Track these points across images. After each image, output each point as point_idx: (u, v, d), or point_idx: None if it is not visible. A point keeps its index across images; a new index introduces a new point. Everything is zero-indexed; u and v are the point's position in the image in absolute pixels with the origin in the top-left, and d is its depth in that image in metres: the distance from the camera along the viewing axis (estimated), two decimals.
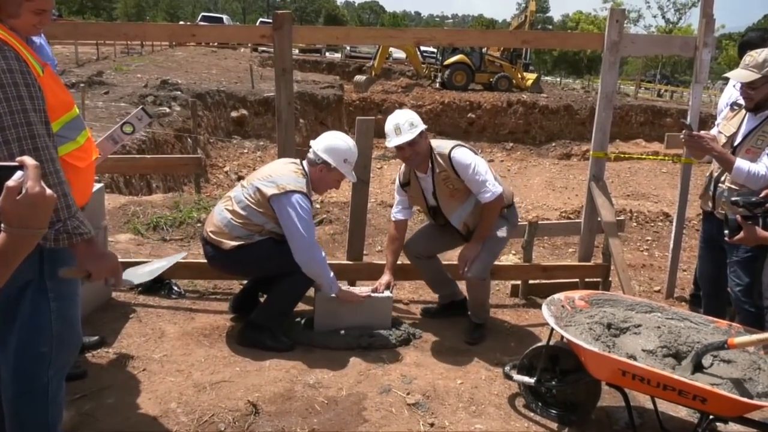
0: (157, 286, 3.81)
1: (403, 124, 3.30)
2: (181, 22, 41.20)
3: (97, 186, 3.53)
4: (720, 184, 3.24)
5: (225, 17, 38.27)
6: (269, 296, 3.33)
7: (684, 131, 3.19)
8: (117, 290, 2.94)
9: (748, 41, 3.98)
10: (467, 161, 3.34)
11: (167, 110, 11.32)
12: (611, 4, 46.21)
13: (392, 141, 3.33)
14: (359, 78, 25.42)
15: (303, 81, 19.89)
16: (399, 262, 3.82)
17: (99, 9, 71.35)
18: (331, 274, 3.27)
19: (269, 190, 3.10)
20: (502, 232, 3.51)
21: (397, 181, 3.69)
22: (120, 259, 4.00)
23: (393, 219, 3.69)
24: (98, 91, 12.58)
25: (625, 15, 4.14)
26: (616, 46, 3.96)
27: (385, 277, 3.55)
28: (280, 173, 3.18)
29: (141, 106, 3.07)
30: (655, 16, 48.18)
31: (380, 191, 10.94)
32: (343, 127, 18.97)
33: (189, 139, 9.91)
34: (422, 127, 3.34)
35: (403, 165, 3.56)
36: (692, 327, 2.83)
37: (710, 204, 3.32)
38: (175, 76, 15.97)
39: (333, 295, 3.29)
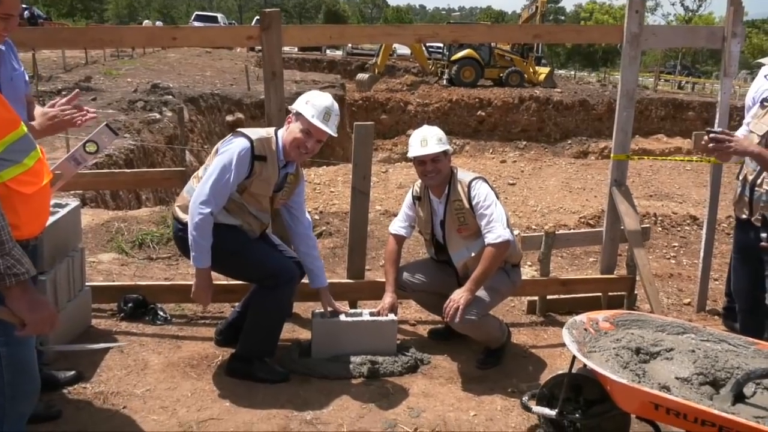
0: (141, 311, 3.69)
1: (431, 138, 3.23)
2: (158, 23, 41.14)
3: (72, 204, 3.42)
4: (757, 188, 3.07)
5: (220, 16, 38.37)
6: (247, 321, 3.16)
7: (708, 136, 3.02)
8: (44, 349, 2.82)
9: None
10: (484, 194, 3.24)
11: (158, 116, 11.24)
12: None
13: (415, 151, 3.23)
14: (362, 76, 25.32)
15: (302, 81, 19.81)
16: None
17: (89, 11, 71.82)
18: (205, 245, 2.89)
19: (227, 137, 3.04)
20: (500, 285, 3.34)
21: (409, 194, 3.55)
22: (102, 282, 3.90)
23: (393, 231, 3.55)
24: (86, 97, 12.51)
25: (644, 4, 3.99)
26: (637, 39, 3.82)
27: (388, 298, 3.40)
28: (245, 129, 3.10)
29: (105, 123, 2.93)
30: (673, 4, 47.82)
31: (385, 197, 10.78)
32: (345, 129, 18.89)
33: (178, 148, 9.81)
34: (449, 147, 3.28)
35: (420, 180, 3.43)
36: (730, 350, 2.67)
37: (746, 211, 3.15)
38: (167, 79, 15.92)
39: (193, 264, 2.97)
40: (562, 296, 4.17)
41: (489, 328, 3.37)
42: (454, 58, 26.33)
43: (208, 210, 2.87)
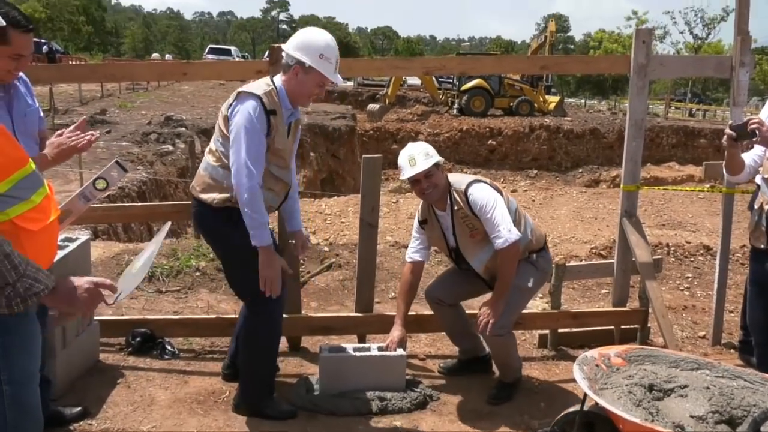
0: (149, 345, 3.67)
1: (418, 155, 3.17)
2: (168, 57, 41.70)
3: (82, 238, 3.44)
4: None
5: (233, 49, 39.04)
6: (242, 357, 3.07)
7: (726, 135, 2.96)
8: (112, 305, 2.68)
9: None
10: (483, 200, 3.18)
11: (170, 148, 11.38)
12: (635, 21, 46.25)
13: (407, 172, 3.18)
14: (373, 106, 25.55)
15: (313, 112, 20.02)
16: (414, 312, 3.64)
17: (106, 45, 73.43)
18: (263, 219, 2.79)
19: (230, 100, 2.84)
20: (527, 282, 3.31)
21: (415, 221, 3.53)
22: (110, 317, 3.89)
23: (408, 260, 3.49)
24: (100, 129, 12.70)
25: (652, 35, 4.00)
26: (644, 69, 3.82)
27: (397, 332, 3.36)
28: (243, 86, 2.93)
29: (115, 159, 2.92)
30: (682, 32, 47.78)
31: (396, 228, 10.77)
32: (356, 159, 18.98)
33: (190, 179, 9.91)
34: (438, 158, 3.22)
35: (422, 201, 3.41)
36: (747, 387, 2.59)
37: (764, 240, 3.09)
38: (180, 111, 16.15)
39: (254, 244, 2.80)
40: (574, 329, 4.11)
41: (513, 348, 3.39)
42: (464, 88, 26.51)
43: (254, 182, 2.76)
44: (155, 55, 39.73)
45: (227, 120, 2.84)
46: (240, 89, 2.85)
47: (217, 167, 2.88)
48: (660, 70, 3.99)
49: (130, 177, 8.65)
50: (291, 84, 2.87)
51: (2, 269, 1.54)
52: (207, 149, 2.99)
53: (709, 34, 45.44)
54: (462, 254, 3.35)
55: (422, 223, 3.46)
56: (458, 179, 3.31)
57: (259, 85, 2.88)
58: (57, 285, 1.64)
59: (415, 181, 3.21)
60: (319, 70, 2.82)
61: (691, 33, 45.80)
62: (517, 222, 3.24)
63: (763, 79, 46.50)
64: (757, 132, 2.87)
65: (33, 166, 1.82)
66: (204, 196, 2.91)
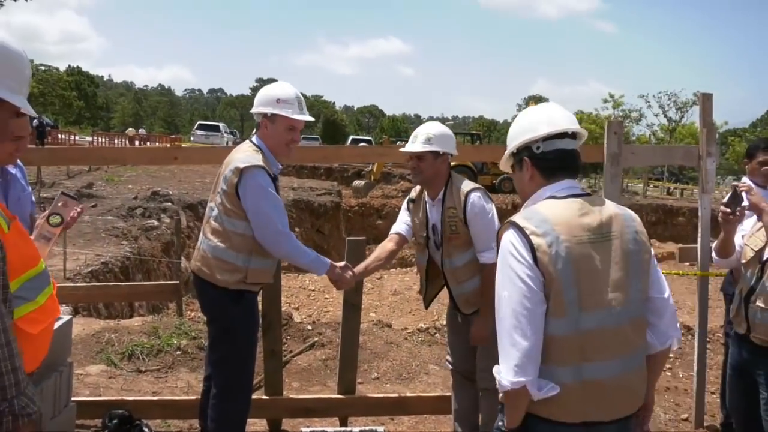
0: (126, 428, 3.59)
1: (421, 135, 3.18)
2: (141, 131, 41.95)
3: (64, 318, 3.42)
4: (751, 305, 3.04)
5: (222, 125, 39.77)
6: None
7: (721, 212, 3.06)
8: None
9: (756, 146, 4.00)
10: (481, 208, 3.15)
11: (155, 223, 11.41)
12: (611, 104, 47.98)
13: (406, 145, 3.24)
14: (358, 183, 25.97)
15: (299, 188, 20.28)
16: (396, 394, 3.63)
17: (97, 119, 74.56)
18: (312, 254, 3.02)
19: (234, 179, 2.86)
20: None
21: (407, 198, 3.54)
22: (88, 398, 3.83)
23: (392, 231, 3.47)
24: (86, 204, 12.76)
25: (622, 126, 4.22)
26: (617, 158, 4.00)
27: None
28: (234, 158, 2.96)
29: (60, 191, 2.85)
30: (656, 115, 49.50)
31: (379, 304, 10.72)
32: (341, 235, 19.11)
33: (174, 255, 9.90)
34: (439, 148, 3.13)
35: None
36: None
37: (744, 326, 3.11)
38: (167, 185, 16.31)
39: (324, 274, 3.05)
40: None
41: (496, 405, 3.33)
42: None
43: (291, 240, 2.92)
44: (130, 130, 39.84)
45: (235, 197, 2.87)
46: (241, 166, 2.86)
47: (227, 249, 2.90)
48: (631, 159, 4.19)
49: (113, 253, 8.64)
50: (266, 138, 3.02)
51: (7, 383, 1.52)
52: (209, 229, 2.98)
53: (682, 117, 47.15)
54: (437, 250, 3.29)
55: (411, 201, 3.48)
56: (465, 182, 3.28)
57: (251, 155, 2.94)
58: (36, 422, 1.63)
59: (409, 156, 3.24)
60: (281, 113, 2.95)
61: (665, 116, 47.52)
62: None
63: (737, 159, 48.03)
64: (745, 196, 2.99)
65: (43, 265, 1.79)
66: (219, 278, 2.92)
